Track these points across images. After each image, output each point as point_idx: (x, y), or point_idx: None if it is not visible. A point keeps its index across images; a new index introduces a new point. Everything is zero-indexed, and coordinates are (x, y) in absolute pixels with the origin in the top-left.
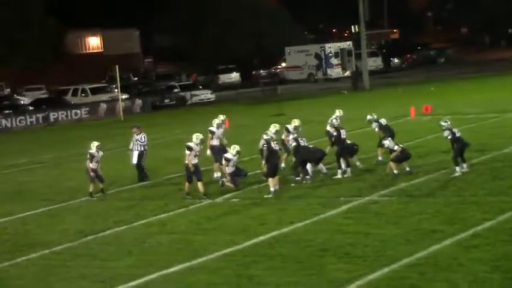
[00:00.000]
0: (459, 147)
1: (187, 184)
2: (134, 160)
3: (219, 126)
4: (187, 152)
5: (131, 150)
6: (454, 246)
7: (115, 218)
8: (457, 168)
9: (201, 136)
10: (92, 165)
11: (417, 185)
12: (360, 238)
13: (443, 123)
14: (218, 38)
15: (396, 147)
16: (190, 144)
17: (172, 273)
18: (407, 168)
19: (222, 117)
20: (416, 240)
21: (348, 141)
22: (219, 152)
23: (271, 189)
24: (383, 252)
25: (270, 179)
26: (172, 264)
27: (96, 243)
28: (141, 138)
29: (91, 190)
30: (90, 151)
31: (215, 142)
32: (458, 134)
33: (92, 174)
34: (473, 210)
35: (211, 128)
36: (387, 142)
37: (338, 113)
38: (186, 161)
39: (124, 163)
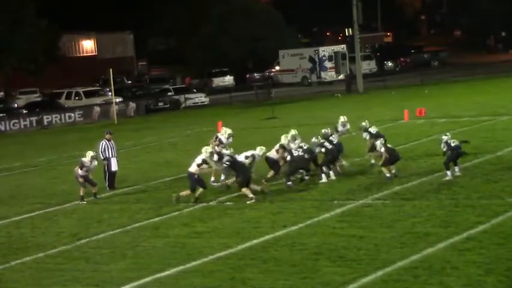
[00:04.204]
0: (454, 154)
1: (188, 192)
2: (115, 167)
3: (229, 136)
4: (204, 165)
5: (108, 157)
6: (447, 250)
7: (109, 221)
8: (448, 173)
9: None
10: (81, 173)
11: (411, 188)
12: (354, 241)
13: (443, 137)
14: (212, 41)
15: (382, 149)
16: (207, 158)
17: (166, 276)
18: (393, 171)
19: (229, 130)
20: (410, 243)
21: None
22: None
23: (251, 195)
24: (376, 255)
25: (245, 189)
26: (166, 267)
27: (90, 246)
28: (113, 144)
29: (81, 194)
30: (83, 159)
31: (219, 149)
32: (453, 144)
33: (81, 180)
34: (467, 214)
35: (221, 138)
36: (378, 143)
37: (343, 119)
38: (193, 171)
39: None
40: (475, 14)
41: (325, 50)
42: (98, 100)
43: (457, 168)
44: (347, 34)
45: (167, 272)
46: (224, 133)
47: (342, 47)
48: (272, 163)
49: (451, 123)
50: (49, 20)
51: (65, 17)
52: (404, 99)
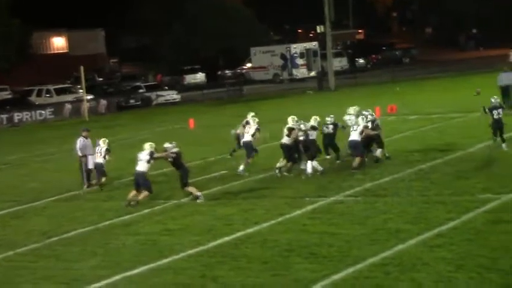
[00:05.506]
0: (495, 125)
1: (134, 192)
2: (92, 165)
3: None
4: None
5: (86, 155)
6: (418, 246)
7: (80, 219)
8: (503, 145)
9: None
10: (103, 161)
11: (382, 185)
12: (326, 238)
13: (492, 100)
14: (183, 38)
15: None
16: (153, 151)
17: (137, 274)
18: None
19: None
20: (381, 240)
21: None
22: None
23: (198, 193)
24: (348, 252)
25: (191, 187)
26: (137, 265)
27: (60, 244)
28: (89, 141)
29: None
30: (107, 147)
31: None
32: (496, 116)
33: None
34: (438, 210)
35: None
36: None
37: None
38: (143, 169)
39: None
40: (446, 11)
41: (296, 47)
42: (69, 97)
43: (504, 145)
44: (318, 31)
45: (138, 270)
46: (255, 121)
47: (313, 44)
48: (288, 150)
49: (423, 120)
50: (20, 18)
51: (36, 14)
52: (375, 96)
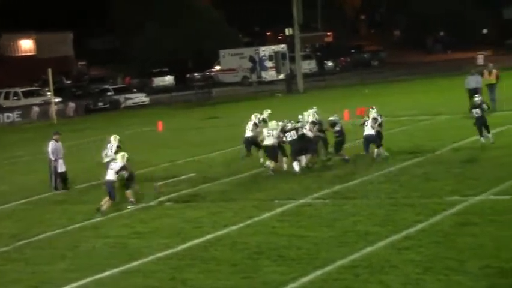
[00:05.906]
0: (478, 122)
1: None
2: (62, 168)
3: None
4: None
5: (57, 159)
6: (387, 248)
7: (49, 222)
8: (482, 139)
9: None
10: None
11: (351, 187)
12: (295, 241)
13: (474, 99)
14: (152, 40)
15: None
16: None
17: (107, 277)
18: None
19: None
20: (350, 242)
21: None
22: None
23: (132, 199)
24: (317, 254)
25: (129, 191)
26: (106, 268)
27: (30, 247)
28: (60, 145)
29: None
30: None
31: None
32: (476, 115)
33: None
34: (406, 212)
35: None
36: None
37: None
38: (113, 178)
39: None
40: (413, 13)
41: (265, 50)
42: (37, 100)
43: (489, 135)
44: (287, 34)
45: (107, 273)
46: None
47: (282, 47)
48: (271, 152)
49: (391, 122)
50: None
51: (4, 17)
52: (344, 98)
